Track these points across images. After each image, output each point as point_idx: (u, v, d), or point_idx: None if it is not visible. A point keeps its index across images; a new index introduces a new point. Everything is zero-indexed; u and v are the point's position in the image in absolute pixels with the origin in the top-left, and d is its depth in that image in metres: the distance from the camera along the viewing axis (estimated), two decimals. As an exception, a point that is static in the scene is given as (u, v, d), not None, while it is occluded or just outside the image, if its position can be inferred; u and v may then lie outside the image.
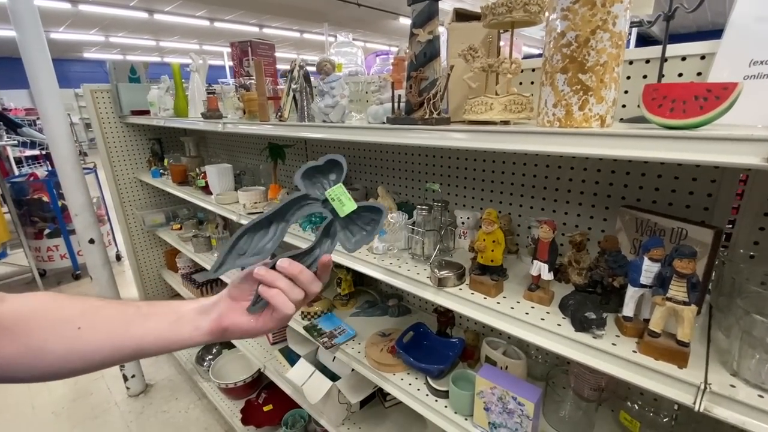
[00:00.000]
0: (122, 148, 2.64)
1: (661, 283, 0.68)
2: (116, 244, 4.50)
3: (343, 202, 0.60)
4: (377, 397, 1.68)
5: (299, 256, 0.58)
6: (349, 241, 0.61)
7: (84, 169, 4.40)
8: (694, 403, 0.63)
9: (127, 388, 2.52)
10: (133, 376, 2.49)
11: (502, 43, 0.97)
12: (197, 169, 2.10)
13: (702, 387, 0.62)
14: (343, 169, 0.62)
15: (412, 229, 1.13)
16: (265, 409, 2.08)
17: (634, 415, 1.00)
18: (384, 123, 1.02)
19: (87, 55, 12.88)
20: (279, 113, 1.32)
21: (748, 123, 0.67)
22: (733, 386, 0.63)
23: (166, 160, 2.54)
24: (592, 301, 0.84)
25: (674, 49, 0.84)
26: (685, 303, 0.64)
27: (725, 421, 0.61)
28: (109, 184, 2.67)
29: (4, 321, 0.46)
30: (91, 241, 2.13)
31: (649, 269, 0.71)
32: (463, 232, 1.22)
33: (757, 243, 0.85)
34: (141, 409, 2.43)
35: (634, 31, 8.15)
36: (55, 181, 3.70)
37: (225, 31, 9.63)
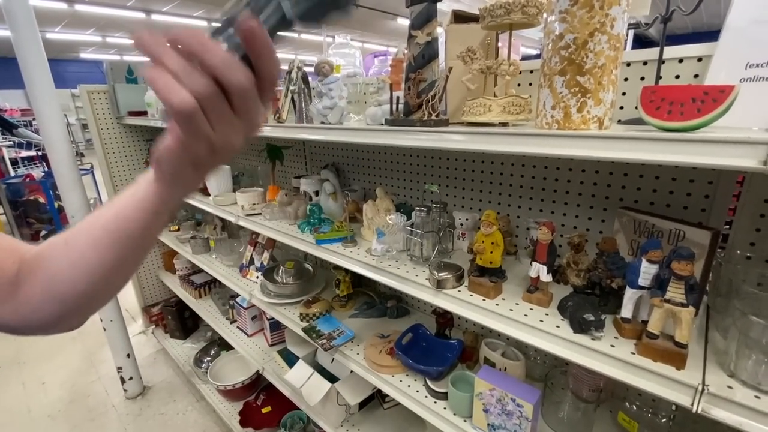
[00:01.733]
0: (119, 149, 2.63)
1: (659, 284, 0.68)
2: (113, 246, 4.48)
3: None
4: (376, 399, 1.68)
5: (217, 33, 0.36)
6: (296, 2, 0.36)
7: (81, 170, 4.38)
8: (692, 405, 0.63)
9: (125, 390, 2.50)
10: (130, 378, 2.48)
11: (500, 45, 0.97)
12: (195, 171, 2.09)
13: (700, 388, 0.62)
14: None
15: (411, 230, 1.13)
16: (264, 410, 2.08)
17: (632, 415, 1.00)
18: (382, 125, 1.02)
19: (83, 55, 12.82)
20: (277, 114, 1.32)
21: (745, 125, 0.67)
22: (730, 387, 0.63)
23: (163, 161, 2.53)
24: (591, 302, 0.84)
25: (671, 51, 0.85)
26: (683, 305, 0.65)
27: (723, 422, 0.61)
28: (106, 185, 2.66)
29: (30, 264, 0.48)
30: (88, 243, 2.11)
31: (647, 271, 0.71)
32: (462, 234, 1.22)
33: (753, 244, 0.85)
34: (139, 412, 2.42)
35: (631, 32, 8.19)
36: (51, 182, 3.69)
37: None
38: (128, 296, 3.18)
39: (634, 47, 1.15)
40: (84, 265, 0.46)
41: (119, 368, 2.45)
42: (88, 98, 2.43)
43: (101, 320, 2.36)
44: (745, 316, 0.63)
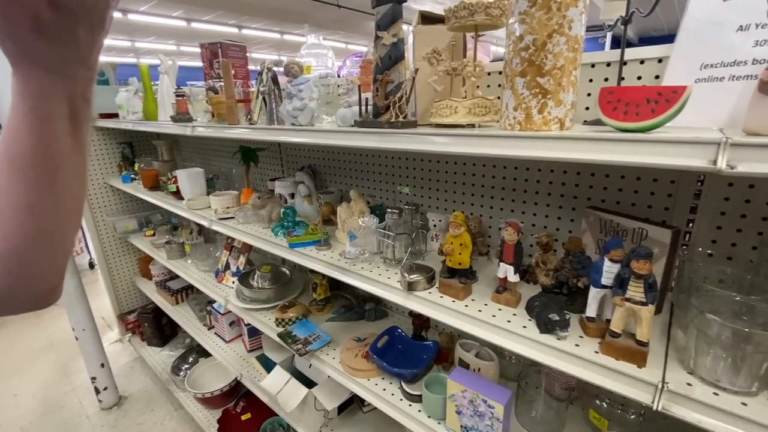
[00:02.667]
0: (91, 152, 2.55)
1: (620, 283, 0.69)
2: (89, 252, 4.36)
3: None
4: (355, 403, 1.66)
5: None
6: None
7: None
8: (653, 403, 0.63)
9: (100, 400, 2.43)
10: (105, 388, 2.41)
11: (470, 46, 0.97)
12: (169, 174, 2.05)
13: (660, 386, 0.63)
14: None
15: (383, 232, 1.12)
16: (243, 418, 2.04)
17: (603, 413, 1.01)
18: (352, 126, 1.01)
19: None
20: (249, 116, 1.29)
21: (702, 125, 0.69)
22: (689, 384, 0.64)
23: (137, 165, 2.47)
24: (557, 302, 0.84)
25: (633, 53, 0.86)
26: (642, 303, 0.65)
27: (682, 419, 0.62)
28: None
29: None
30: (57, 250, 2.04)
31: (609, 270, 0.71)
32: (436, 235, 1.22)
33: (714, 242, 0.87)
34: (114, 422, 2.35)
35: (609, 34, 8.37)
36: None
37: (203, 31, 9.44)
38: (103, 303, 3.09)
39: (612, 48, 1.16)
40: None
41: (93, 378, 2.38)
42: (57, 100, 2.34)
43: (73, 330, 2.29)
44: (702, 314, 0.64)
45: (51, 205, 0.41)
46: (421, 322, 1.35)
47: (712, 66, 0.68)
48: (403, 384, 1.17)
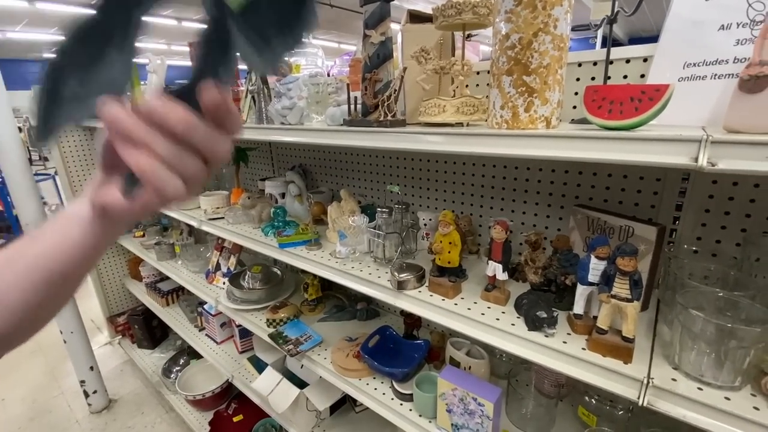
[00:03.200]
0: (79, 152, 2.52)
1: (606, 280, 0.69)
2: (78, 253, 4.30)
3: None
4: (347, 403, 1.66)
5: (180, 93, 0.32)
6: (259, 52, 0.33)
7: (42, 174, 4.18)
8: (638, 398, 0.64)
9: (89, 404, 2.39)
10: (95, 392, 2.37)
11: (459, 45, 0.97)
12: (158, 174, 2.02)
13: (645, 382, 0.64)
14: None
15: (373, 231, 1.12)
16: (235, 419, 2.02)
17: (592, 409, 1.02)
18: (341, 125, 1.01)
19: (47, 55, 12.25)
20: (237, 116, 1.28)
21: (685, 123, 0.69)
22: (674, 380, 0.64)
23: (126, 165, 2.43)
24: (545, 299, 0.85)
25: (619, 52, 0.87)
26: (628, 300, 0.66)
27: (667, 414, 0.62)
28: (65, 191, 2.54)
29: None
30: (45, 252, 2.01)
31: (596, 267, 0.72)
32: (426, 234, 1.22)
33: (699, 239, 0.88)
34: (104, 426, 2.31)
35: (599, 35, 8.45)
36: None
37: (194, 30, 9.37)
38: (93, 306, 3.05)
39: (602, 48, 1.17)
40: (2, 306, 0.40)
41: (82, 382, 2.34)
42: (43, 100, 2.31)
43: (61, 332, 2.25)
44: (687, 310, 0.64)
45: (60, 305, 0.44)
46: (412, 321, 1.35)
47: (694, 65, 0.69)
48: (394, 383, 1.17)
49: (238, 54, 0.33)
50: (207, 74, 0.32)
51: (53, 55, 0.34)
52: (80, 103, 0.34)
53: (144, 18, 0.34)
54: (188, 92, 0.31)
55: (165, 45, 11.27)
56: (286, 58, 0.31)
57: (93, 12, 0.33)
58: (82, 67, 0.34)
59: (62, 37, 0.33)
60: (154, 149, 0.30)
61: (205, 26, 0.33)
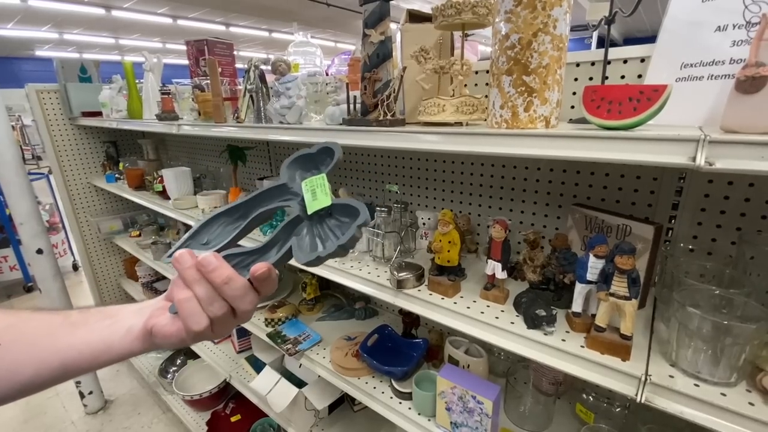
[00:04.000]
0: (74, 151, 2.50)
1: (604, 279, 0.70)
2: (73, 253, 4.26)
3: (316, 195, 0.46)
4: (346, 402, 1.66)
5: (238, 257, 0.46)
6: (302, 249, 0.46)
7: (36, 174, 4.13)
8: (636, 395, 0.65)
9: (84, 405, 2.38)
10: (90, 393, 2.36)
11: (458, 45, 0.97)
12: (155, 173, 2.02)
13: (643, 378, 0.64)
14: (334, 155, 0.50)
15: (372, 231, 1.13)
16: (233, 419, 2.02)
17: (589, 406, 1.03)
18: (341, 124, 1.01)
19: (40, 53, 12.14)
20: (236, 114, 1.28)
21: (682, 123, 0.70)
22: (671, 376, 0.65)
23: (121, 164, 2.42)
24: (544, 298, 0.85)
25: (617, 52, 0.88)
26: (626, 298, 0.67)
27: (664, 410, 0.63)
28: (60, 190, 2.52)
29: None
30: (39, 251, 2.00)
31: (594, 266, 0.73)
32: (425, 233, 1.22)
33: (695, 237, 0.89)
34: (100, 427, 2.30)
35: (595, 35, 8.49)
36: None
37: (189, 29, 9.31)
38: (88, 306, 3.02)
39: (598, 48, 1.18)
40: (14, 377, 0.43)
41: (77, 383, 2.33)
42: (38, 98, 2.29)
43: (56, 333, 2.23)
44: (684, 308, 0.65)
45: (56, 385, 0.47)
46: (411, 320, 1.36)
47: (691, 65, 0.70)
48: (393, 382, 1.18)
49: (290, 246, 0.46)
50: (266, 252, 0.47)
51: (214, 215, 0.51)
52: (204, 246, 0.50)
53: (253, 223, 0.51)
54: (242, 256, 0.46)
55: (160, 43, 11.20)
56: (322, 255, 0.45)
57: (246, 201, 0.52)
58: (218, 224, 0.51)
59: (222, 207, 0.52)
60: (194, 290, 0.42)
61: (288, 219, 0.48)
